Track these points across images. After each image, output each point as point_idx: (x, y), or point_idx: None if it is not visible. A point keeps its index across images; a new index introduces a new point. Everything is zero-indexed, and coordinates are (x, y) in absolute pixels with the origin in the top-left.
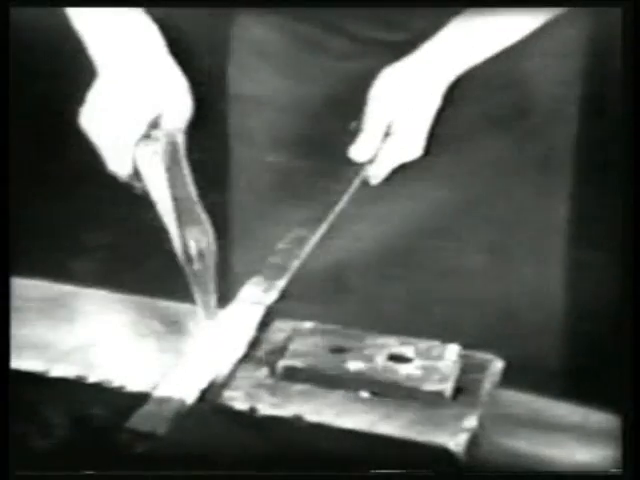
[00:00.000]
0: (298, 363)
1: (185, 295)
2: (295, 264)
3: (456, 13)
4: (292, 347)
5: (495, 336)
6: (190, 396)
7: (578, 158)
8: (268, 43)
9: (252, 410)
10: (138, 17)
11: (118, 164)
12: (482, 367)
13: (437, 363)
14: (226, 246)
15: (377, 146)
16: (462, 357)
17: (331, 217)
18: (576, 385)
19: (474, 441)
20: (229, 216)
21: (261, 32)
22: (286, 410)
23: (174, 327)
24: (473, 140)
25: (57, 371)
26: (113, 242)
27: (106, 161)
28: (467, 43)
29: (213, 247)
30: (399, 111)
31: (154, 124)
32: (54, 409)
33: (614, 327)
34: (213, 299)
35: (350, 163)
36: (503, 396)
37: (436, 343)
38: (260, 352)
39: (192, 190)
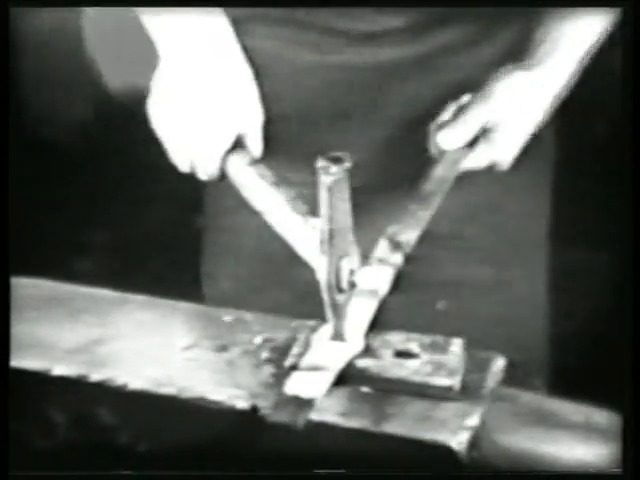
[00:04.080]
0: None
1: (185, 294)
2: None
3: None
4: (297, 345)
5: (497, 341)
6: (320, 391)
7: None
8: (264, 53)
9: (254, 409)
10: (215, 19)
11: (203, 170)
12: (484, 365)
13: (443, 357)
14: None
15: (466, 140)
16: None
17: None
18: (578, 384)
19: (476, 439)
20: (205, 239)
21: (255, 42)
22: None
23: (175, 326)
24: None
25: (59, 370)
26: (114, 241)
27: (178, 163)
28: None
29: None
30: (502, 114)
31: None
32: (56, 408)
33: (614, 326)
34: (345, 324)
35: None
36: (505, 394)
37: (439, 338)
38: (264, 351)
39: (349, 219)
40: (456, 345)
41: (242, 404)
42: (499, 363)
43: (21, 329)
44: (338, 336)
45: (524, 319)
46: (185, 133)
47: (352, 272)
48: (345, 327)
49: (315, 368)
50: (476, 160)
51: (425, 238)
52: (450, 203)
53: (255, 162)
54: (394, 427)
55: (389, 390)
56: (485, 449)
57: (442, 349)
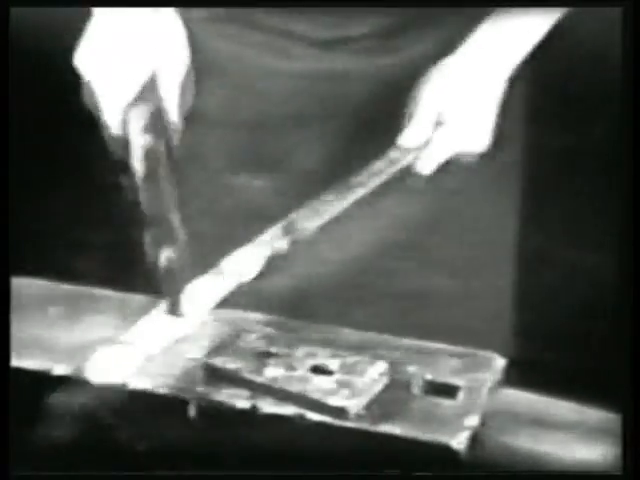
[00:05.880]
0: (219, 363)
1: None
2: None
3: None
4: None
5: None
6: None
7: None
8: (221, 56)
9: (254, 408)
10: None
11: (110, 121)
12: (484, 365)
13: (355, 379)
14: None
15: (428, 133)
16: (463, 355)
17: (357, 196)
18: (577, 384)
19: (476, 439)
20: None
21: (213, 44)
22: (288, 408)
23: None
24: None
25: (59, 370)
26: (114, 240)
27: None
28: (507, 42)
29: (185, 262)
30: (452, 100)
31: (150, 83)
32: (56, 408)
33: (614, 326)
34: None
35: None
36: (505, 394)
37: (365, 359)
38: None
39: (170, 202)
40: (376, 368)
41: (242, 404)
42: (499, 363)
43: (21, 329)
44: (173, 311)
45: (487, 330)
46: (100, 72)
47: (170, 260)
48: (181, 303)
49: (124, 343)
50: (438, 153)
51: (385, 249)
52: (411, 212)
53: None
54: (394, 427)
55: (287, 403)
56: (485, 449)
57: (360, 371)
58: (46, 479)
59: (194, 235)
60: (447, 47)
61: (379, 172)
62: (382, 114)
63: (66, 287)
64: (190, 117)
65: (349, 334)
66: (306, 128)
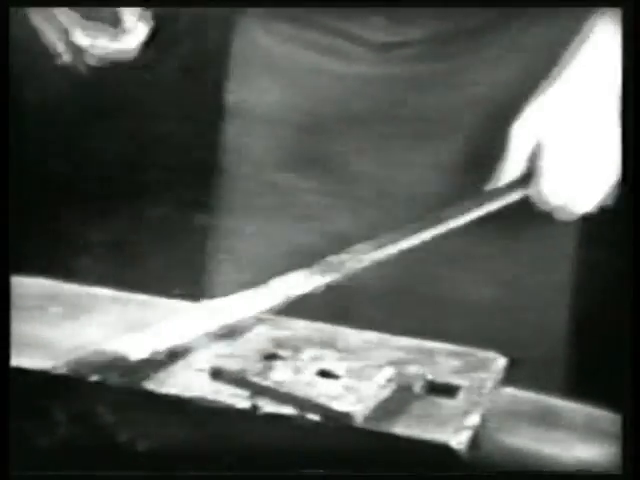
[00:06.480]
0: (225, 364)
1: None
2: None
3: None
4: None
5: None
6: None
7: None
8: (275, 54)
9: (254, 408)
10: None
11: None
12: (485, 364)
13: (362, 383)
14: (210, 269)
15: (522, 166)
16: (464, 354)
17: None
18: (579, 383)
19: (476, 439)
20: (215, 238)
21: (268, 42)
22: (289, 408)
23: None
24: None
25: (60, 369)
26: (115, 239)
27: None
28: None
29: None
30: (553, 129)
31: None
32: (56, 407)
33: (615, 326)
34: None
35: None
36: (506, 394)
37: (372, 364)
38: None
39: None
40: (384, 374)
41: (242, 404)
42: (500, 362)
43: (21, 328)
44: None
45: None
46: None
47: None
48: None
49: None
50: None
51: (440, 257)
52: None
53: None
54: (394, 426)
55: (292, 407)
56: (485, 448)
57: (367, 376)
58: (46, 479)
59: (235, 229)
60: (502, 55)
61: (473, 209)
62: (436, 120)
63: (67, 286)
64: (240, 111)
65: (349, 334)
66: (358, 131)
